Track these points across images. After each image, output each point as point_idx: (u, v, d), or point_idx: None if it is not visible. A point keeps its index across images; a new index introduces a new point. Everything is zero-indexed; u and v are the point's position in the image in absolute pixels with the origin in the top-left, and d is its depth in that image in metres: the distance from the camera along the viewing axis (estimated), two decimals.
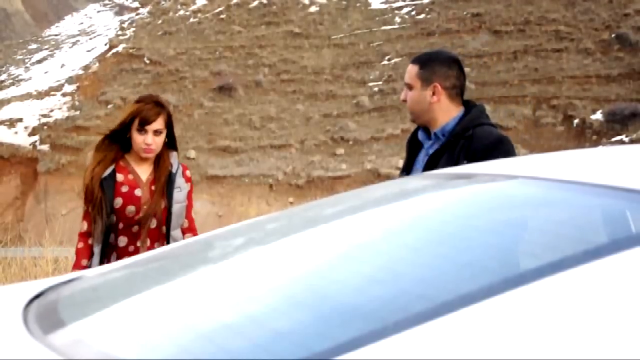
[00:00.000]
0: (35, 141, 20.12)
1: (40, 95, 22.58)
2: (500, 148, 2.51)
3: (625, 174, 1.28)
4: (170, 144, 3.16)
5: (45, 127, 20.68)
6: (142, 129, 3.00)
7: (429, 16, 24.49)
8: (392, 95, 21.07)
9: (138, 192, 3.03)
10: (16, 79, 25.57)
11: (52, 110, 21.51)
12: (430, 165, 2.60)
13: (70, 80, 23.22)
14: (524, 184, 1.39)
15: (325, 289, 1.10)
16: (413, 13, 25.05)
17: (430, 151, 2.70)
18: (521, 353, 0.80)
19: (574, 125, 18.63)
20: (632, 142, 16.69)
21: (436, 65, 2.71)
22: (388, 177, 16.49)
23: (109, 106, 21.59)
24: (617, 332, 0.84)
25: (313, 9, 26.52)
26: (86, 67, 23.92)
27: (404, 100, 2.76)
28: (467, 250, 1.15)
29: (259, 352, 0.91)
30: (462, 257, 1.13)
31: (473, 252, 1.14)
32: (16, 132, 20.52)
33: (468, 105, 2.75)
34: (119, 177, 3.04)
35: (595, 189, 1.22)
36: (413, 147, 2.81)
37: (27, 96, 22.66)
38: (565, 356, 0.80)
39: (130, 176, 3.07)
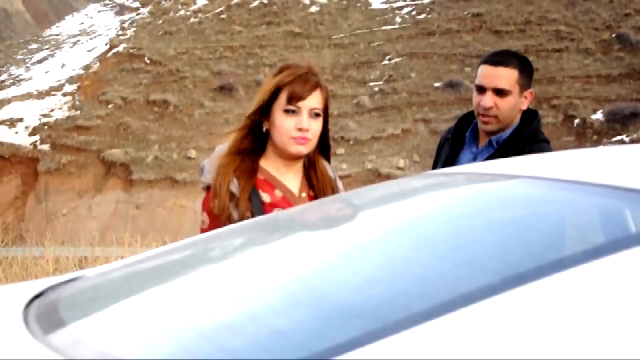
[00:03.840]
0: (36, 141, 20.11)
1: (41, 95, 22.57)
2: None
3: (625, 173, 1.28)
4: (323, 146, 2.16)
5: (45, 127, 20.67)
6: (291, 110, 2.02)
7: (429, 16, 24.47)
8: (392, 95, 21.05)
9: None
10: (17, 79, 25.56)
11: (52, 110, 21.50)
12: None
13: (70, 80, 23.21)
14: (524, 184, 1.39)
15: (324, 288, 1.10)
16: (413, 13, 25.03)
17: (481, 158, 2.53)
18: (521, 353, 0.80)
19: (575, 125, 18.61)
20: (632, 142, 16.67)
21: (529, 69, 2.56)
22: (388, 177, 16.48)
23: (110, 106, 21.58)
24: (617, 332, 0.84)
25: (313, 9, 26.51)
26: (87, 67, 23.91)
27: (489, 107, 2.47)
28: (467, 250, 1.15)
29: (259, 352, 0.91)
30: (462, 256, 1.13)
31: (473, 251, 1.14)
32: (17, 132, 20.51)
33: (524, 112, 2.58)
34: (264, 196, 2.06)
35: (596, 188, 1.22)
36: (456, 145, 2.62)
37: (28, 96, 22.65)
38: (565, 356, 0.80)
39: (278, 192, 2.08)
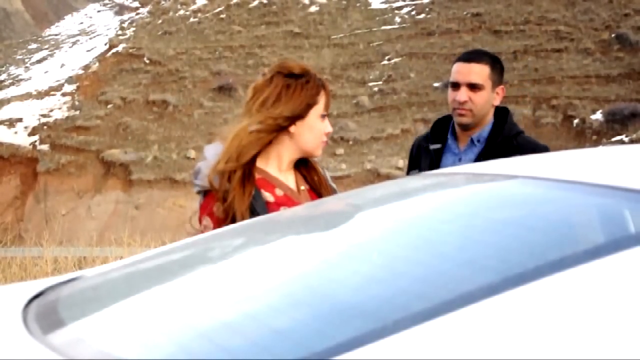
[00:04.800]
0: (35, 141, 20.11)
1: (40, 95, 22.57)
2: None
3: (625, 174, 1.28)
4: None
5: (45, 127, 20.67)
6: (324, 115, 2.16)
7: (429, 16, 24.48)
8: (392, 95, 21.05)
9: None
10: (16, 79, 25.55)
11: (52, 110, 21.50)
12: None
13: (70, 80, 23.20)
14: (524, 184, 1.39)
15: (324, 288, 1.10)
16: (413, 13, 25.05)
17: (467, 157, 2.64)
18: (521, 353, 0.80)
19: (574, 125, 18.62)
20: (632, 142, 16.68)
21: (500, 66, 2.69)
22: (388, 177, 16.48)
23: (109, 106, 21.58)
24: (616, 332, 0.84)
25: (313, 8, 26.51)
26: (86, 67, 23.90)
27: (464, 101, 2.60)
28: (467, 250, 1.15)
29: (259, 352, 0.91)
30: (462, 256, 1.13)
31: (473, 251, 1.14)
32: (16, 132, 20.51)
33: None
34: (267, 195, 2.09)
35: (595, 188, 1.22)
36: (437, 150, 2.70)
37: (27, 96, 22.65)
38: (565, 356, 0.80)
39: (279, 191, 2.12)
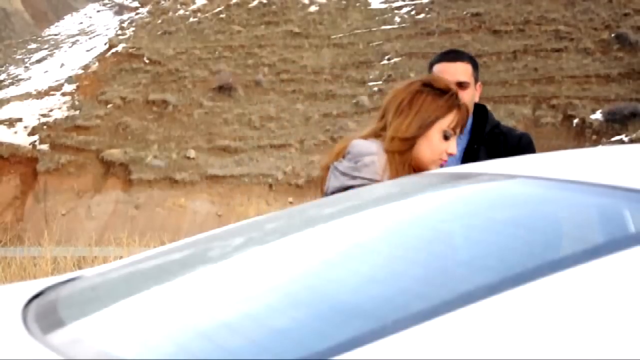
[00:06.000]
0: (35, 141, 20.12)
1: (40, 95, 22.57)
2: (532, 142, 2.74)
3: (625, 173, 1.28)
4: None
5: (44, 127, 20.67)
6: (448, 135, 2.12)
7: (428, 16, 24.49)
8: None
9: None
10: (16, 79, 25.56)
11: (51, 110, 21.50)
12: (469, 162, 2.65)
13: (69, 80, 23.21)
14: (524, 183, 1.39)
15: (324, 288, 1.10)
16: (413, 13, 25.06)
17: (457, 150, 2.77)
18: (520, 353, 0.80)
19: (574, 125, 18.63)
20: (631, 141, 16.70)
21: (477, 63, 2.80)
22: None
23: (109, 106, 21.59)
24: (616, 332, 0.84)
25: (313, 8, 26.52)
26: (86, 67, 23.91)
27: None
28: (467, 250, 1.15)
29: (258, 351, 0.91)
30: (462, 256, 1.13)
31: (472, 251, 1.14)
32: (16, 132, 20.52)
33: None
34: None
35: (595, 188, 1.22)
36: None
37: (27, 96, 22.66)
38: (565, 356, 0.80)
39: None
